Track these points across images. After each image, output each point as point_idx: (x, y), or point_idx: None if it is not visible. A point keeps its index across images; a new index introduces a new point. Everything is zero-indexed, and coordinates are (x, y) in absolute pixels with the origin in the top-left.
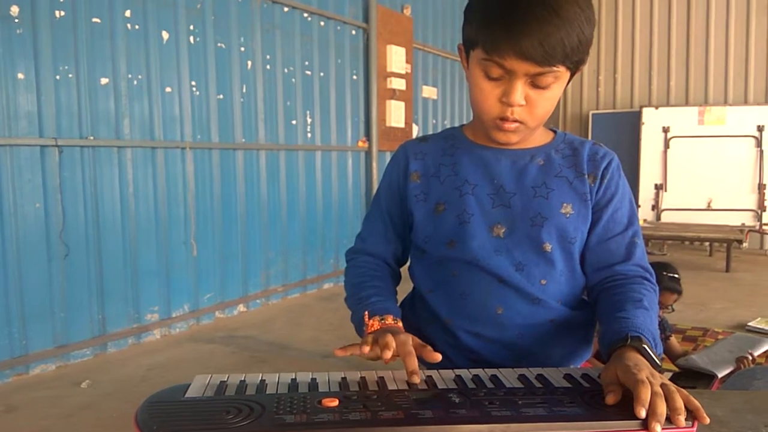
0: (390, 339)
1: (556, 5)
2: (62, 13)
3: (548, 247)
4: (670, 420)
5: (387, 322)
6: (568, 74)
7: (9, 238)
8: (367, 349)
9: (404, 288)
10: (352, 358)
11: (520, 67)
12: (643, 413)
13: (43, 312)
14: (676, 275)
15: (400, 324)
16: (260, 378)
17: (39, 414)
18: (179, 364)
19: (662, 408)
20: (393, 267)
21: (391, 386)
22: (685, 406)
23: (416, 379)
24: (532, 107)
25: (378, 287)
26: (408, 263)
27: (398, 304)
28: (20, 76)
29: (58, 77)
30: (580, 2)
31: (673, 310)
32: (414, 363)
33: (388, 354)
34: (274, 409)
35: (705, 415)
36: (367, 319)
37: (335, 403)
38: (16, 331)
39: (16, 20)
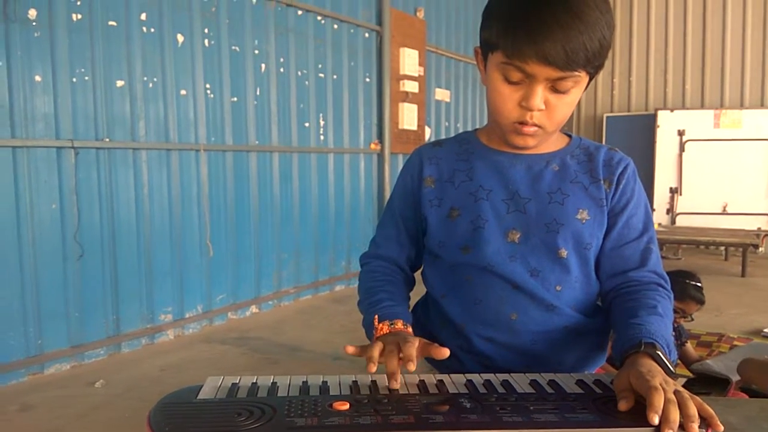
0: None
1: (578, 10)
2: (79, 16)
3: (564, 253)
4: (683, 427)
5: (397, 326)
6: (587, 78)
7: (25, 238)
8: (373, 368)
9: (418, 292)
10: (363, 361)
11: (541, 72)
12: (656, 420)
13: (58, 312)
14: (699, 284)
15: (410, 329)
16: (272, 380)
17: (53, 413)
18: (192, 365)
19: (675, 415)
20: (407, 272)
21: (402, 390)
22: (699, 414)
23: (394, 385)
24: (551, 112)
25: (390, 292)
26: (421, 267)
27: (411, 308)
28: (37, 78)
29: (74, 80)
30: (600, 6)
31: (692, 320)
32: (393, 365)
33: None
34: (285, 411)
35: (719, 422)
36: (376, 323)
37: (346, 406)
38: (32, 330)
39: (34, 23)
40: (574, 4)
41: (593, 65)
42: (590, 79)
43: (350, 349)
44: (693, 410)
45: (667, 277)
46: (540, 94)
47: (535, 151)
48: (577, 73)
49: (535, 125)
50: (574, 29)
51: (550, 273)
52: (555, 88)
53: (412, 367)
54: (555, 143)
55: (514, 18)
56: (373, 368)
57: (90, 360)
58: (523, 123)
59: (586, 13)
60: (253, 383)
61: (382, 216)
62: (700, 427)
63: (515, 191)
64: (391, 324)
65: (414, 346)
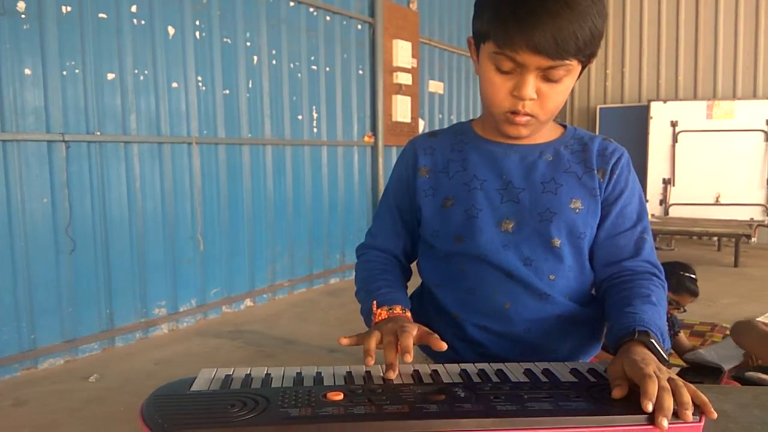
0: (390, 353)
1: None
2: (69, 9)
3: (557, 242)
4: (677, 415)
5: (395, 311)
6: (579, 67)
7: (17, 233)
8: (371, 361)
9: (414, 283)
10: (358, 352)
11: (532, 61)
12: (649, 407)
13: (51, 307)
14: (694, 276)
15: (409, 314)
16: (265, 372)
17: (47, 408)
18: (186, 359)
19: (669, 402)
20: (403, 262)
21: (397, 380)
22: (693, 401)
23: (391, 375)
24: (544, 101)
25: (388, 279)
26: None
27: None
28: (27, 71)
29: (64, 73)
30: None
31: (684, 311)
32: (391, 356)
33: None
34: (279, 402)
35: (712, 409)
36: (375, 309)
37: (340, 396)
38: (25, 325)
39: (23, 16)
40: None
41: (584, 54)
42: (583, 68)
43: (345, 341)
44: (687, 398)
45: (661, 267)
46: (531, 84)
47: (529, 141)
48: (568, 62)
49: (528, 114)
50: (563, 18)
51: (543, 262)
52: (546, 77)
53: (409, 358)
54: (549, 133)
55: (504, 7)
56: (371, 361)
57: (84, 354)
58: (515, 112)
59: (576, 1)
60: (246, 375)
61: (378, 207)
62: (693, 414)
63: (509, 181)
64: (390, 309)
65: (412, 335)
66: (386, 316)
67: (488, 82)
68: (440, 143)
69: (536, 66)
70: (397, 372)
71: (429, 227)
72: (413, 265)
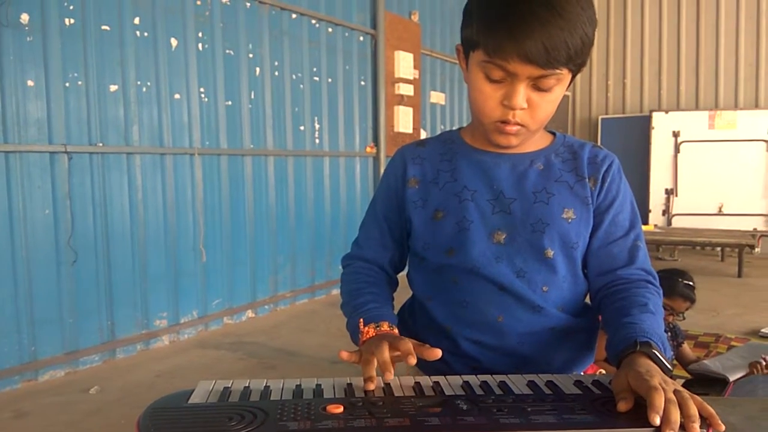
0: (380, 358)
1: (558, 6)
2: (72, 21)
3: (550, 253)
4: (684, 427)
5: (382, 329)
6: (569, 76)
7: (18, 244)
8: (372, 386)
9: (402, 295)
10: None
11: (522, 70)
12: (657, 420)
13: (52, 318)
14: (691, 283)
15: (396, 330)
16: (264, 384)
17: (48, 420)
18: (187, 370)
19: (676, 415)
20: (390, 273)
21: (398, 393)
22: (700, 414)
23: (370, 386)
24: (534, 110)
25: (374, 293)
26: (406, 269)
27: (397, 311)
28: (30, 83)
29: (67, 84)
30: (582, 2)
31: (683, 318)
32: (371, 370)
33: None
34: (278, 415)
35: (720, 422)
36: (362, 327)
37: (340, 409)
38: (26, 337)
39: (26, 28)
40: (555, 1)
41: (575, 63)
42: (573, 77)
43: (345, 356)
44: (694, 410)
45: (656, 274)
46: (522, 93)
47: (519, 150)
48: (559, 71)
49: (518, 124)
50: (554, 26)
51: (536, 274)
52: (537, 86)
53: (413, 360)
54: (539, 142)
55: (494, 15)
56: (372, 386)
57: (85, 366)
58: (505, 122)
59: (567, 9)
60: (245, 387)
61: (365, 216)
62: (701, 427)
63: (500, 191)
64: (377, 326)
65: (408, 342)
66: (374, 334)
67: (478, 91)
68: (429, 153)
69: (527, 75)
70: (392, 374)
71: (420, 240)
72: (403, 277)
